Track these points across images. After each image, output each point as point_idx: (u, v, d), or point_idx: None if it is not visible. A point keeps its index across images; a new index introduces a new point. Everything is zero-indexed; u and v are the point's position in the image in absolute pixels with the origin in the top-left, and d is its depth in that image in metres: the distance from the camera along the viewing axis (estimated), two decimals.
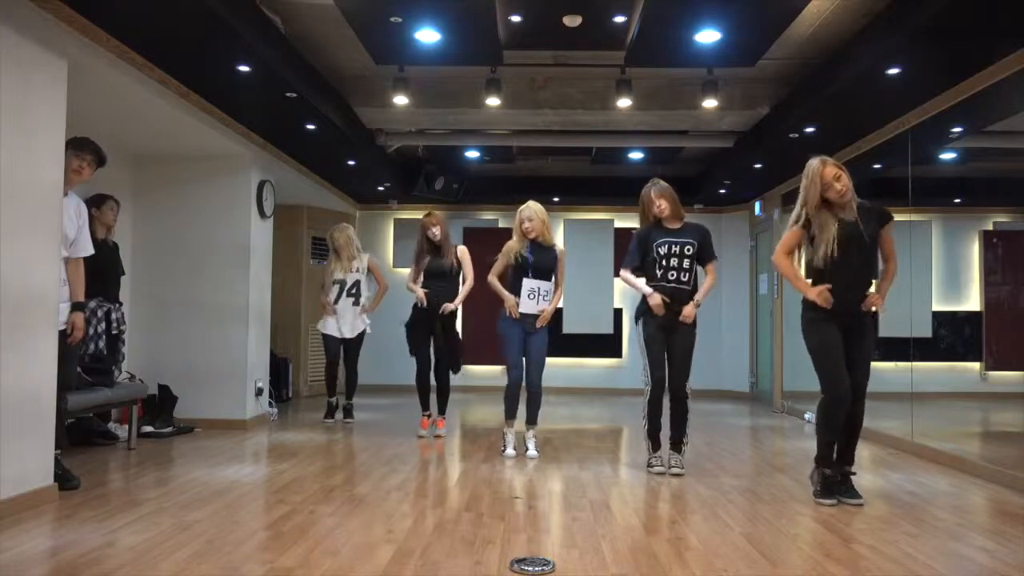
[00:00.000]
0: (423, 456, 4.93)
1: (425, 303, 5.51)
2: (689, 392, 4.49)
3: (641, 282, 4.42)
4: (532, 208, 4.94)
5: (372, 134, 7.08)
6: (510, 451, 4.92)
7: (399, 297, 9.42)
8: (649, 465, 4.50)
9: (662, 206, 4.44)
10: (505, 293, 4.94)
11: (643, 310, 4.42)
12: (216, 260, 6.14)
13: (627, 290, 8.94)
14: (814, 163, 3.73)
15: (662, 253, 4.37)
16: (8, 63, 3.29)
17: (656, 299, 4.31)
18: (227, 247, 6.15)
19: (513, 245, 4.96)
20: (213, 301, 6.10)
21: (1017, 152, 6.50)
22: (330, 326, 6.40)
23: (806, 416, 6.97)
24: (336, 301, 6.37)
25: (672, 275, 4.36)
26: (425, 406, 5.73)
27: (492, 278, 5.02)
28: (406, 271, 9.63)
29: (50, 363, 3.60)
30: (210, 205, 6.17)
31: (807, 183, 3.73)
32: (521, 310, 4.88)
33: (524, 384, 4.95)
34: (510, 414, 5.02)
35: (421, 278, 5.64)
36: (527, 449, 4.95)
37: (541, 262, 4.92)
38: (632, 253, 4.50)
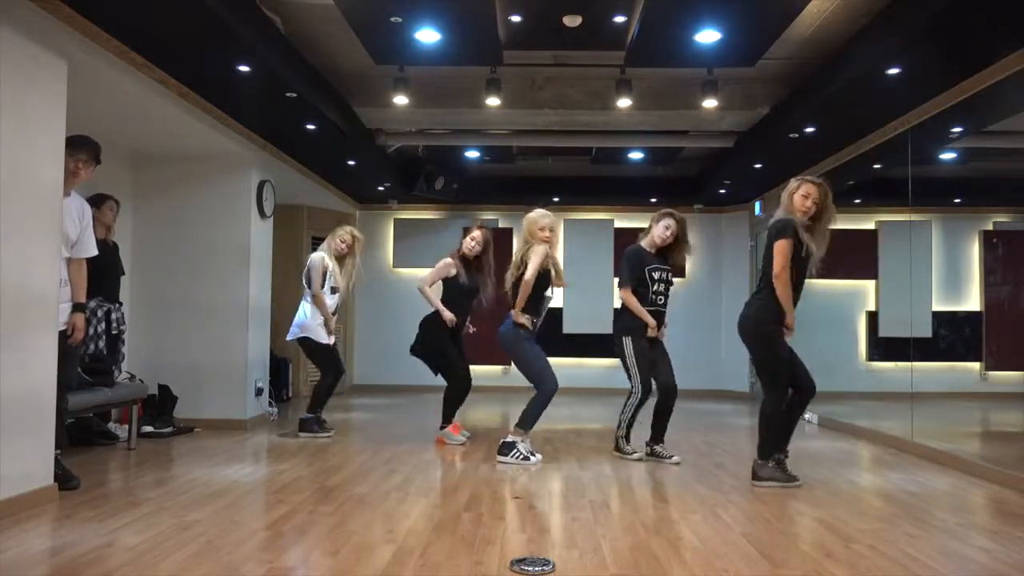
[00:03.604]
0: (423, 456, 4.93)
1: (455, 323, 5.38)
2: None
3: (641, 308, 4.75)
4: (550, 219, 4.85)
5: (372, 134, 7.08)
6: (534, 458, 4.70)
7: (406, 299, 9.46)
8: (631, 453, 4.82)
9: (667, 238, 4.81)
10: (522, 315, 4.75)
11: (634, 328, 4.75)
12: (216, 260, 6.13)
13: None
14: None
15: (656, 278, 4.78)
16: (8, 63, 3.29)
17: (655, 330, 4.76)
18: (227, 247, 6.15)
19: (548, 255, 4.78)
20: (213, 301, 6.10)
21: (1017, 152, 6.51)
22: (324, 336, 5.69)
23: (806, 416, 6.97)
24: (335, 312, 5.79)
25: (660, 299, 4.81)
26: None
27: (532, 280, 4.68)
28: (405, 271, 9.83)
29: (50, 363, 3.60)
30: (210, 205, 6.17)
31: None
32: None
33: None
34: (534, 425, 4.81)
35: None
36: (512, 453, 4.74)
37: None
38: (631, 274, 4.79)
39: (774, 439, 4.14)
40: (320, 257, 5.66)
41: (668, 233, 4.78)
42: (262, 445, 5.38)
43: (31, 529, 3.10)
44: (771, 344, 4.05)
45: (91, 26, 3.84)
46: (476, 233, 5.41)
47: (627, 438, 4.87)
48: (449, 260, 5.41)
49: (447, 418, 5.45)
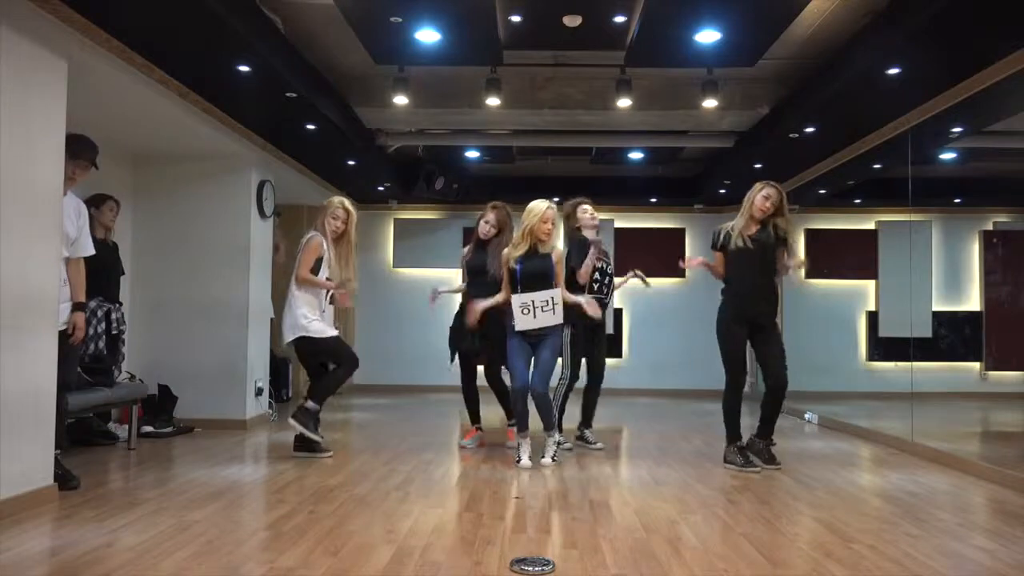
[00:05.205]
0: (423, 456, 4.92)
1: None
2: None
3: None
4: (554, 211, 4.51)
5: (372, 134, 7.08)
6: (525, 461, 4.49)
7: (406, 299, 9.45)
8: (568, 442, 5.12)
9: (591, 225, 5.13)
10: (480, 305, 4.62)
11: (575, 316, 4.80)
12: (216, 260, 6.13)
13: (625, 291, 8.93)
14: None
15: (597, 267, 5.07)
16: (8, 63, 3.29)
17: (595, 308, 4.73)
18: (227, 247, 6.14)
19: (509, 252, 4.56)
20: (213, 301, 6.10)
21: (1017, 152, 6.51)
22: (326, 329, 4.89)
23: (806, 416, 6.97)
24: (331, 301, 5.00)
25: (597, 287, 5.11)
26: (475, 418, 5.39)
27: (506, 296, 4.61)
28: (405, 271, 9.83)
29: (50, 363, 3.60)
30: (210, 205, 6.17)
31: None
32: (519, 328, 4.45)
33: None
34: (520, 424, 4.59)
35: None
36: (542, 455, 4.59)
37: (533, 269, 4.48)
38: (581, 259, 5.00)
39: (730, 425, 4.64)
40: (318, 239, 4.78)
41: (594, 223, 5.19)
42: (262, 445, 5.39)
43: (31, 529, 3.10)
44: (721, 339, 4.60)
45: (91, 26, 3.84)
46: (490, 216, 5.07)
47: (560, 427, 5.01)
48: (464, 251, 5.37)
49: (511, 416, 5.09)
